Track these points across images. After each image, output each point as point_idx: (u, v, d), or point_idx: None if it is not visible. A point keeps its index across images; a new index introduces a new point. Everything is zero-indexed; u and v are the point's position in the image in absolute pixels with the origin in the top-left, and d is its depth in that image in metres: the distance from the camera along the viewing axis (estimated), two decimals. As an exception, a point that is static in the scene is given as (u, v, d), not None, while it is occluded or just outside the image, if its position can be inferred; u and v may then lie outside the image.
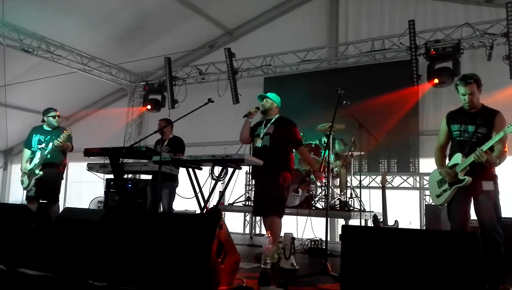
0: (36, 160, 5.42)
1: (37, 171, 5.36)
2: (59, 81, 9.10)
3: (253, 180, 4.82)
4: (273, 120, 4.62)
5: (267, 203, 4.42)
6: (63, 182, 5.78)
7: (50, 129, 5.61)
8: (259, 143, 4.54)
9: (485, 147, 3.25)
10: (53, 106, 5.70)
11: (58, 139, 5.32)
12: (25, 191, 5.47)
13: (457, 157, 3.46)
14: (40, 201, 5.41)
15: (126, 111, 10.68)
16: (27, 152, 5.59)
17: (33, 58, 8.44)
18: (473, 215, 3.48)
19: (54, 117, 5.61)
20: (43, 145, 5.47)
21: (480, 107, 3.52)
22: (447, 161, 3.64)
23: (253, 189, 4.88)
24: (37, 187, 5.37)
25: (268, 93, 4.79)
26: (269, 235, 3.72)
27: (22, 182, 5.49)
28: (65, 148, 5.48)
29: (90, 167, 4.72)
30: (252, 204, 4.87)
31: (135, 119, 10.73)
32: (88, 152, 4.34)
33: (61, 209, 5.10)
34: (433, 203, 3.90)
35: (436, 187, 3.65)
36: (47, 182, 5.39)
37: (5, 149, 11.14)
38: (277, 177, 4.41)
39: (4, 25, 7.51)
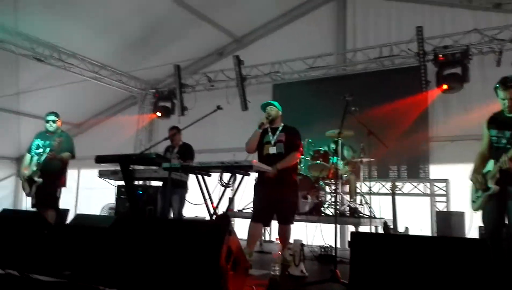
0: (33, 166, 5.28)
1: (36, 179, 5.23)
2: (71, 89, 9.25)
3: (259, 186, 4.56)
4: (281, 127, 4.64)
5: (288, 211, 4.51)
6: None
7: (49, 134, 5.47)
8: (271, 150, 4.52)
9: (510, 153, 3.20)
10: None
11: (50, 148, 5.14)
12: (29, 198, 5.38)
13: (490, 164, 3.41)
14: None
15: (137, 118, 10.79)
16: (27, 157, 5.50)
17: (45, 67, 8.57)
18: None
19: (48, 122, 5.45)
20: (41, 150, 5.33)
21: None
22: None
23: (259, 195, 4.59)
24: (37, 194, 5.25)
25: (273, 101, 4.80)
26: (279, 241, 3.74)
27: (23, 188, 5.40)
28: (58, 159, 5.28)
29: (102, 174, 4.76)
30: (259, 211, 4.57)
31: (146, 126, 10.82)
32: (99, 159, 4.38)
33: (72, 216, 5.14)
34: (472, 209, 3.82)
35: (473, 192, 3.59)
36: (44, 187, 5.24)
37: (17, 156, 11.28)
38: (294, 185, 4.53)
39: (17, 34, 7.65)
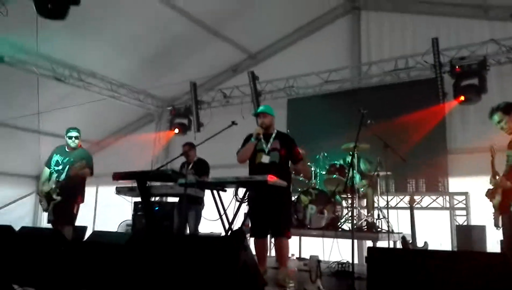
0: (52, 184, 5.39)
1: (54, 196, 5.33)
2: (89, 108, 9.41)
3: (252, 199, 4.29)
4: (274, 134, 4.47)
5: (281, 223, 4.26)
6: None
7: (69, 150, 5.56)
8: (265, 159, 4.34)
9: (505, 172, 3.38)
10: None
11: (75, 165, 5.32)
12: (45, 213, 5.48)
13: None
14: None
15: (154, 136, 10.92)
16: (45, 171, 5.58)
17: (65, 86, 8.76)
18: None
19: (71, 138, 5.54)
20: (60, 167, 5.44)
21: None
22: None
23: (253, 209, 4.42)
24: (54, 210, 5.34)
25: (265, 108, 4.61)
26: (293, 256, 3.70)
27: (41, 203, 5.50)
28: (80, 175, 5.42)
29: (119, 191, 4.81)
30: (255, 226, 4.39)
31: (163, 143, 10.93)
32: (117, 176, 4.43)
33: (89, 233, 5.17)
34: None
35: None
36: (62, 204, 5.34)
37: (37, 174, 11.48)
38: (288, 195, 4.35)
39: (37, 55, 7.86)
